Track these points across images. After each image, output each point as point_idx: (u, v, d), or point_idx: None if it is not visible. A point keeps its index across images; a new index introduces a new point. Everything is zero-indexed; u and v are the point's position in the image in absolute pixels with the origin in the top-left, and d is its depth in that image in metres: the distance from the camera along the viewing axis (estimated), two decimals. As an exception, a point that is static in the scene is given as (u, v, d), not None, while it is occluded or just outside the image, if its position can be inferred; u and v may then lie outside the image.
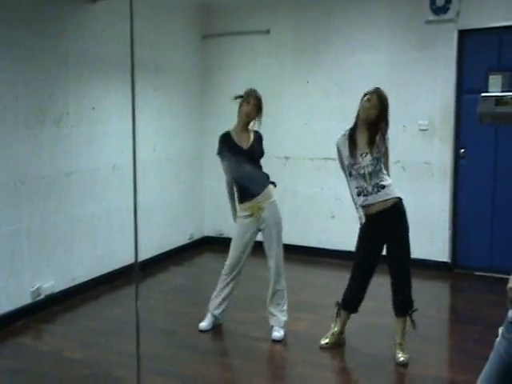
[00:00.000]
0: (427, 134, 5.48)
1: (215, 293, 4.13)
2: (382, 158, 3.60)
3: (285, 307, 4.02)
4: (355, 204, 3.66)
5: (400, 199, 3.64)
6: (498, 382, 1.94)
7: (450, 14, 5.23)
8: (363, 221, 3.62)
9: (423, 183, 5.52)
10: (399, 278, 3.66)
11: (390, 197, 3.60)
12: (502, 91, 4.95)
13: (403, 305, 3.67)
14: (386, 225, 3.61)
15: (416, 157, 5.52)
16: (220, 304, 4.10)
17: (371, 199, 3.58)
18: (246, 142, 4.00)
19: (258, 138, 4.09)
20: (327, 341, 3.83)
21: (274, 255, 3.97)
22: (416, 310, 3.69)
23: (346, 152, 3.65)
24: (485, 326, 4.09)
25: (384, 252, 3.74)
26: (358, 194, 3.62)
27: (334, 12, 5.80)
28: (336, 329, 3.85)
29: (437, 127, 5.44)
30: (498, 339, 2.02)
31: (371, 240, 3.68)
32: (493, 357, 1.99)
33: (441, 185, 5.48)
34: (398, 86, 5.54)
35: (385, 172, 3.63)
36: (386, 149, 3.64)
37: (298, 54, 6.03)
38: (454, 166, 5.45)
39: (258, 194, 3.94)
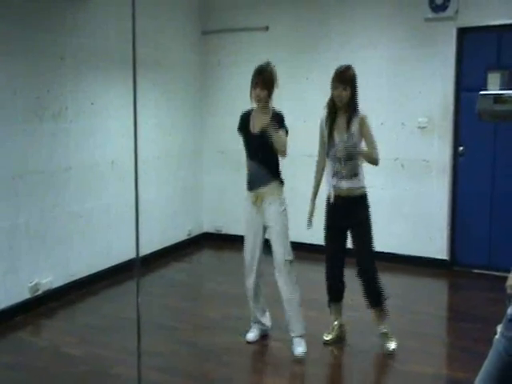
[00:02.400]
0: (426, 132, 5.48)
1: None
2: (357, 145, 3.65)
3: (298, 316, 3.71)
4: (326, 183, 3.78)
5: (365, 192, 3.72)
6: (498, 381, 1.94)
7: (449, 12, 5.23)
8: (332, 200, 3.70)
9: (422, 180, 5.52)
10: (363, 270, 3.70)
11: (359, 186, 3.69)
12: (501, 89, 4.95)
13: (372, 297, 3.72)
14: (350, 212, 3.69)
15: (415, 154, 5.53)
16: (254, 310, 3.90)
17: (343, 184, 3.66)
18: (259, 125, 3.67)
19: (275, 119, 3.62)
20: (330, 337, 3.85)
21: (277, 258, 3.70)
22: (387, 298, 3.73)
23: (325, 132, 3.78)
24: (483, 323, 4.09)
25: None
26: (333, 175, 3.71)
27: (333, 9, 5.79)
28: (336, 322, 3.88)
29: (436, 125, 5.44)
30: (496, 337, 2.02)
31: (335, 225, 3.77)
32: (492, 355, 1.99)
33: (439, 182, 5.48)
34: (397, 83, 5.54)
35: (360, 159, 3.69)
36: (363, 127, 3.63)
37: (297, 50, 6.02)
38: (452, 163, 5.45)
39: (258, 188, 3.72)
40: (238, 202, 6.35)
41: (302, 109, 6.00)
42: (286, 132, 3.69)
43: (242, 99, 6.25)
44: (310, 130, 6.00)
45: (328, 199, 3.74)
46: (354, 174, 3.66)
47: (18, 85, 4.21)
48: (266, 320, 3.96)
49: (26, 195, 4.32)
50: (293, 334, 3.71)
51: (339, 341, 3.87)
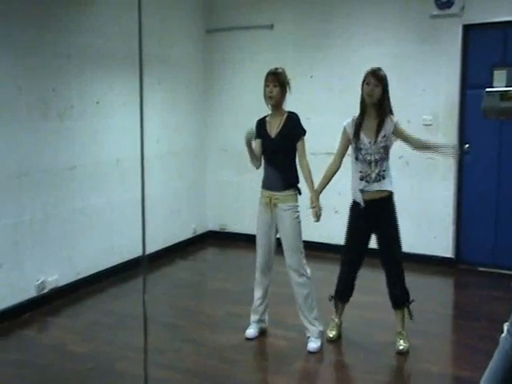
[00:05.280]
0: (431, 129, 5.45)
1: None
2: (389, 147, 3.65)
3: (311, 316, 3.74)
4: (353, 187, 3.74)
5: (392, 193, 3.70)
6: (504, 379, 1.93)
7: (455, 9, 5.20)
8: (362, 205, 3.68)
9: (427, 178, 5.51)
10: (391, 270, 3.73)
11: (387, 188, 3.67)
12: (507, 86, 4.93)
13: (398, 297, 3.73)
14: (376, 215, 3.68)
15: (420, 152, 5.50)
16: (256, 309, 3.93)
17: (372, 186, 3.65)
18: (275, 129, 3.73)
19: (290, 121, 3.70)
20: (334, 333, 3.86)
21: (289, 262, 3.73)
22: (412, 301, 3.76)
23: (351, 136, 3.71)
24: (489, 321, 4.08)
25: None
26: (361, 179, 3.67)
27: (338, 7, 5.77)
28: (336, 320, 3.91)
29: (441, 122, 5.42)
30: (502, 335, 2.01)
31: (360, 229, 3.76)
32: (498, 353, 1.98)
33: (445, 180, 5.47)
34: (403, 80, 5.52)
35: (389, 163, 3.68)
36: (399, 132, 3.65)
37: (302, 48, 6.01)
38: (458, 161, 5.43)
39: (272, 191, 3.71)
40: (242, 200, 6.39)
41: (307, 106, 5.97)
42: (304, 132, 3.72)
43: (246, 97, 6.27)
44: (315, 127, 6.02)
45: (354, 204, 3.74)
46: (383, 176, 3.63)
47: (23, 83, 4.22)
48: (266, 318, 4.00)
49: (31, 193, 4.33)
50: (308, 334, 3.76)
51: (338, 339, 3.88)
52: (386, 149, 3.63)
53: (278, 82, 3.67)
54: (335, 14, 5.78)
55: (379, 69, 3.67)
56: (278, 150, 3.71)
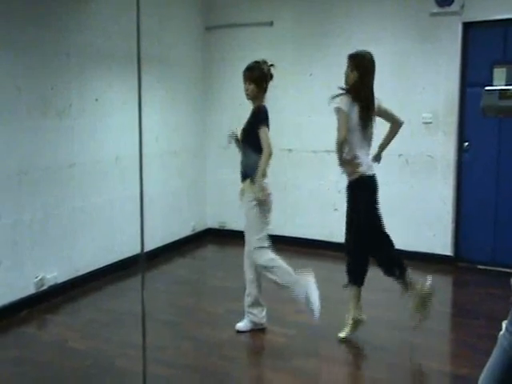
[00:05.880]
0: (431, 127, 5.46)
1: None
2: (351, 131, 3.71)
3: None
4: None
5: (361, 176, 3.75)
6: (503, 377, 1.94)
7: (455, 7, 5.20)
8: None
9: (426, 176, 5.51)
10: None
11: (352, 170, 3.77)
12: (507, 84, 4.93)
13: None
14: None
15: (419, 150, 5.51)
16: (246, 300, 4.01)
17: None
18: (245, 121, 3.92)
19: (254, 113, 3.84)
20: (345, 334, 3.80)
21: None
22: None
23: None
24: (488, 319, 4.09)
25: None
26: None
27: (338, 4, 5.77)
28: (355, 313, 3.81)
29: (440, 120, 5.42)
30: (501, 333, 2.01)
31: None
32: (496, 351, 1.98)
33: (444, 178, 5.47)
34: (402, 78, 5.52)
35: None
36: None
37: (301, 46, 6.01)
38: (457, 159, 5.43)
39: (242, 181, 3.90)
40: (242, 198, 6.38)
41: (307, 104, 6.00)
42: (262, 123, 3.75)
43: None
44: (314, 125, 6.03)
45: None
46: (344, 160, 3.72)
47: (23, 82, 4.22)
48: (261, 315, 3.98)
49: (31, 191, 4.33)
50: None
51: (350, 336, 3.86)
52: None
53: (251, 79, 3.78)
54: (335, 13, 5.78)
55: (357, 52, 3.85)
56: (242, 141, 3.88)
